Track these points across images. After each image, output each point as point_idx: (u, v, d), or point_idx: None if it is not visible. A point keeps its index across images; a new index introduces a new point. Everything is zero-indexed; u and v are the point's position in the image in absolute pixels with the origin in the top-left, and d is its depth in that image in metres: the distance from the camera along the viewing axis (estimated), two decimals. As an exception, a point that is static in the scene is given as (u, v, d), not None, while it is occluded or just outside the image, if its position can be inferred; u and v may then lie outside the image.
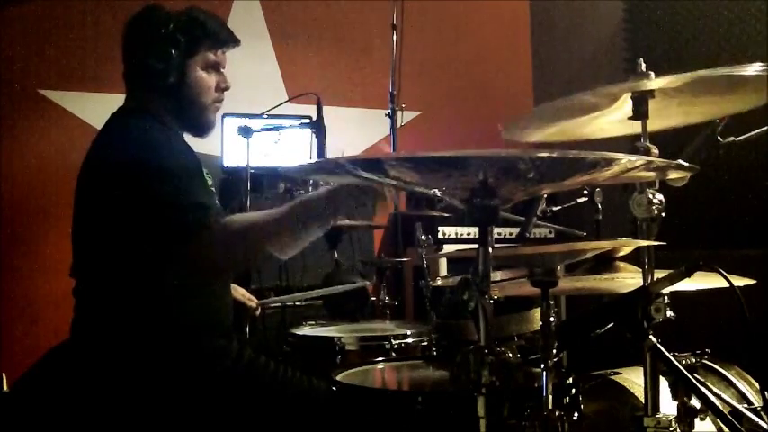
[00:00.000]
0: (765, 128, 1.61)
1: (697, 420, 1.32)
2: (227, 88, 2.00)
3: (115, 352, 1.71)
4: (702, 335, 1.66)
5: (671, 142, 1.47)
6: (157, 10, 1.93)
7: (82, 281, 1.85)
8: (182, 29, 1.90)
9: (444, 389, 1.56)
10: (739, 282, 1.37)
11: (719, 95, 1.43)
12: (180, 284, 1.79)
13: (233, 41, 2.00)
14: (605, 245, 1.46)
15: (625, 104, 1.43)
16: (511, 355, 1.12)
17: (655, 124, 1.40)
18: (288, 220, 1.68)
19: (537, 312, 1.27)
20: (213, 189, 2.02)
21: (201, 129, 2.00)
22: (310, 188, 3.60)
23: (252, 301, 2.39)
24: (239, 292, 2.35)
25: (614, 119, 1.49)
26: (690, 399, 1.31)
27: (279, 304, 2.94)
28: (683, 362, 1.36)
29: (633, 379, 1.62)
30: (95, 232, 1.81)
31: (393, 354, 2.18)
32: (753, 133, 1.63)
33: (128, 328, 1.74)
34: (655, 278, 1.35)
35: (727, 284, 1.29)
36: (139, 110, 1.92)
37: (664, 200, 1.35)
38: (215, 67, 1.96)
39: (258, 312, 2.43)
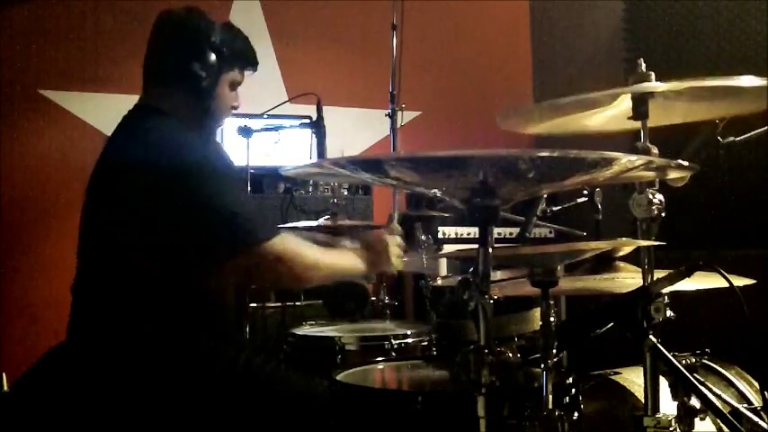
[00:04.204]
0: (765, 128, 1.61)
1: (697, 420, 1.32)
2: (237, 107, 2.05)
3: (114, 352, 1.71)
4: (702, 335, 1.66)
5: (671, 142, 1.47)
6: (202, 15, 1.95)
7: (82, 278, 1.85)
8: (226, 42, 1.94)
9: (444, 389, 1.56)
10: (739, 282, 1.37)
11: (719, 100, 1.43)
12: (181, 287, 1.79)
13: (256, 65, 2.06)
14: (605, 245, 1.46)
15: (624, 102, 1.42)
16: (511, 355, 1.12)
17: (655, 121, 1.40)
18: (334, 261, 1.82)
19: (537, 312, 1.27)
20: None
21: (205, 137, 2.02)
22: (310, 188, 3.61)
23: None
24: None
25: (613, 116, 1.49)
26: (690, 399, 1.31)
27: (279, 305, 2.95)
28: (683, 362, 1.36)
29: (633, 379, 1.62)
30: (108, 231, 1.79)
31: (393, 354, 2.18)
32: (753, 133, 1.63)
33: (127, 328, 1.74)
34: (655, 278, 1.35)
35: (727, 284, 1.29)
36: (159, 110, 1.90)
37: (664, 200, 1.35)
38: (236, 86, 2.01)
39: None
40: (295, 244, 1.79)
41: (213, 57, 1.91)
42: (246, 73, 2.04)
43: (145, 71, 1.96)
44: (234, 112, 2.00)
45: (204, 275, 1.77)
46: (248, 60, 2.02)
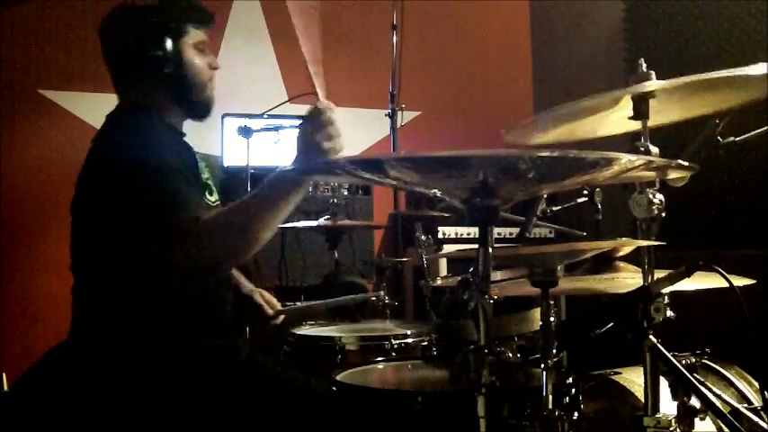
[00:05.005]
0: (765, 128, 1.61)
1: (697, 420, 1.32)
2: (217, 67, 2.02)
3: (114, 352, 1.71)
4: (702, 335, 1.66)
5: (671, 142, 1.47)
6: (132, 5, 1.95)
7: (80, 279, 1.85)
8: (167, 14, 1.91)
9: (444, 389, 1.56)
10: (739, 282, 1.37)
11: (719, 91, 1.42)
12: (179, 285, 1.80)
13: (211, 19, 2.01)
14: (605, 245, 1.46)
15: (626, 105, 1.42)
16: (511, 355, 1.12)
17: (655, 120, 1.40)
18: (262, 195, 1.70)
19: (537, 312, 1.27)
20: (213, 187, 2.02)
21: (203, 109, 2.00)
22: (310, 188, 3.61)
23: (272, 306, 2.33)
24: (264, 297, 2.32)
25: (616, 118, 1.49)
26: (690, 399, 1.31)
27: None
28: (683, 362, 1.36)
29: (633, 379, 1.62)
30: (93, 231, 1.81)
31: (393, 354, 2.18)
32: (753, 133, 1.63)
33: (126, 327, 1.74)
34: (655, 278, 1.35)
35: (727, 284, 1.29)
36: (139, 107, 1.92)
37: (664, 200, 1.35)
38: (202, 48, 1.97)
39: (279, 321, 2.36)
40: (217, 211, 1.78)
41: (162, 33, 1.90)
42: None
43: (113, 76, 1.98)
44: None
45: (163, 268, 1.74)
46: (199, 16, 1.98)
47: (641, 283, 1.37)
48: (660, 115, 1.44)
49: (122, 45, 1.93)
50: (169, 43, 1.90)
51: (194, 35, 1.95)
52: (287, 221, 3.02)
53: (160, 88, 1.92)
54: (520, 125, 1.49)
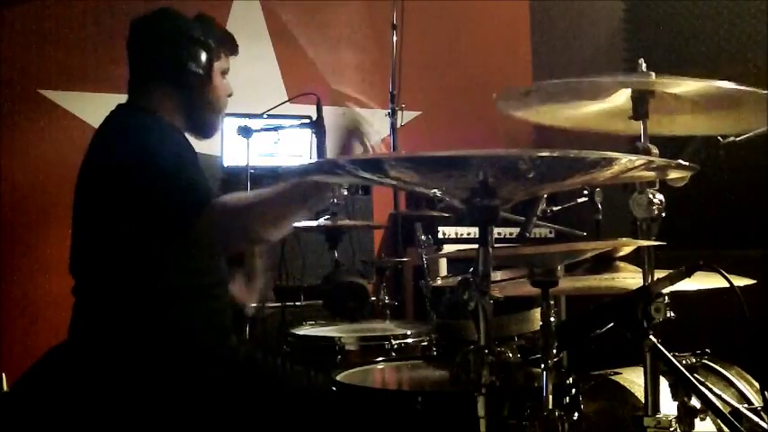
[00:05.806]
0: (765, 128, 1.61)
1: (697, 420, 1.32)
2: (231, 94, 2.06)
3: (114, 352, 1.71)
4: (702, 335, 1.66)
5: (671, 142, 1.47)
6: (175, 12, 1.97)
7: (81, 280, 1.85)
8: (208, 33, 1.95)
9: (444, 389, 1.56)
10: (739, 282, 1.37)
11: (720, 111, 1.43)
12: (178, 285, 1.80)
13: (237, 49, 2.07)
14: (605, 245, 1.46)
15: (624, 97, 1.42)
16: (511, 355, 1.12)
17: (655, 130, 1.40)
18: (283, 198, 1.73)
19: (537, 312, 1.27)
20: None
21: (209, 130, 2.03)
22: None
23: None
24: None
25: (613, 112, 1.49)
26: (690, 399, 1.31)
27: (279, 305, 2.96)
28: (683, 362, 1.36)
29: (633, 379, 1.62)
30: (96, 231, 1.81)
31: (393, 354, 2.18)
32: (753, 133, 1.63)
33: (127, 328, 1.75)
34: (655, 278, 1.35)
35: (727, 284, 1.29)
36: (144, 108, 1.92)
37: (664, 200, 1.35)
38: (226, 75, 2.02)
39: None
40: (235, 195, 1.83)
41: (201, 48, 1.92)
42: (231, 59, 2.05)
43: (135, 73, 1.97)
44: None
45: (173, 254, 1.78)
46: (231, 45, 2.03)
47: (641, 283, 1.37)
48: (661, 127, 1.44)
49: (162, 48, 1.93)
50: (205, 61, 1.92)
51: (223, 62, 2.00)
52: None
53: (181, 100, 1.94)
54: (515, 94, 1.47)
